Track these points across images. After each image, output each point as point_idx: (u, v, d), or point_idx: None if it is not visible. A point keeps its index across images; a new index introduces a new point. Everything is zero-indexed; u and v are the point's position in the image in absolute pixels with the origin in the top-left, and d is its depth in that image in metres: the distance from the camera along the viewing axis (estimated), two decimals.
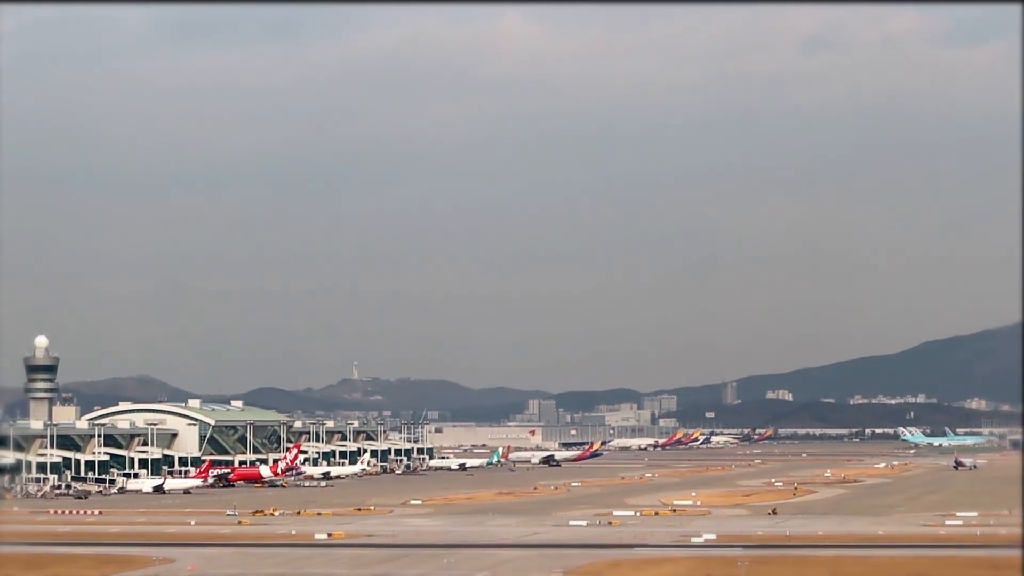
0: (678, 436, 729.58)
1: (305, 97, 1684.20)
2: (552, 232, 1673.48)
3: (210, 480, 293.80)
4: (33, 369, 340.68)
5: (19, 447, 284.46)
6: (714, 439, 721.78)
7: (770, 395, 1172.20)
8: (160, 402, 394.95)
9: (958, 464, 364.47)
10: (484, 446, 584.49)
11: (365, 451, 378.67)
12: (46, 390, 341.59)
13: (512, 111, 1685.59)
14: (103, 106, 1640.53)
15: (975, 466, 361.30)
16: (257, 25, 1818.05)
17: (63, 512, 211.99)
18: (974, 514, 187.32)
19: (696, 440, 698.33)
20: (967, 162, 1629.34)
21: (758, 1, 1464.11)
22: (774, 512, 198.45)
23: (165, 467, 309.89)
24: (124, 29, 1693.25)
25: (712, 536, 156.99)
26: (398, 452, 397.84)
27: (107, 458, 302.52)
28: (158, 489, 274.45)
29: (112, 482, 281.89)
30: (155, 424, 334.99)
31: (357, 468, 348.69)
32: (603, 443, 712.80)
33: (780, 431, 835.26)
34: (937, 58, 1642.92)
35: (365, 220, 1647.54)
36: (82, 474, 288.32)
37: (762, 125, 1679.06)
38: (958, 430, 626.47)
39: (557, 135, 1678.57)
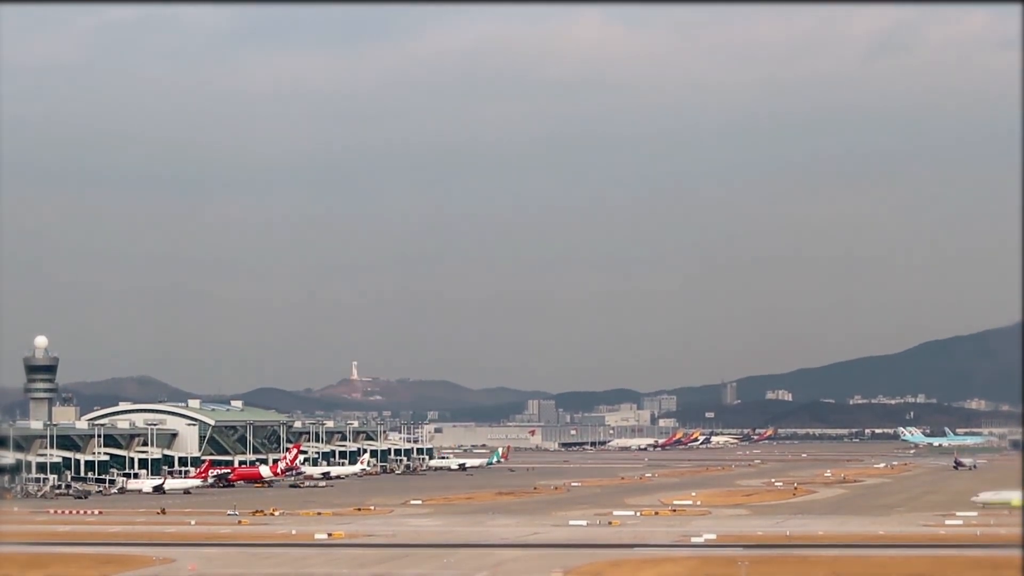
0: (678, 436, 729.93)
1: (356, 100, 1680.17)
2: (553, 233, 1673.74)
3: (210, 480, 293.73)
4: (33, 369, 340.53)
5: (19, 447, 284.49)
6: (714, 439, 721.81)
7: (770, 395, 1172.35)
8: (160, 402, 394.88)
9: (958, 464, 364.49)
10: (484, 446, 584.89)
11: (365, 451, 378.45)
12: (46, 390, 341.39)
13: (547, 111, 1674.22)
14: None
15: (975, 466, 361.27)
16: (329, 27, 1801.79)
17: (63, 512, 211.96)
18: (974, 514, 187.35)
19: (696, 440, 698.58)
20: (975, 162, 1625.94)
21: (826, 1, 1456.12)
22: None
23: (165, 467, 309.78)
24: (201, 30, 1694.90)
25: (712, 536, 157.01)
26: (398, 452, 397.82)
27: (107, 458, 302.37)
28: (158, 489, 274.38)
29: (112, 482, 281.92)
30: (155, 424, 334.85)
31: (357, 468, 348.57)
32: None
33: (780, 431, 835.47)
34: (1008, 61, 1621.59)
35: (366, 221, 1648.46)
36: (82, 474, 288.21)
37: (782, 126, 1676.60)
38: (958, 430, 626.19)
39: (593, 136, 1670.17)
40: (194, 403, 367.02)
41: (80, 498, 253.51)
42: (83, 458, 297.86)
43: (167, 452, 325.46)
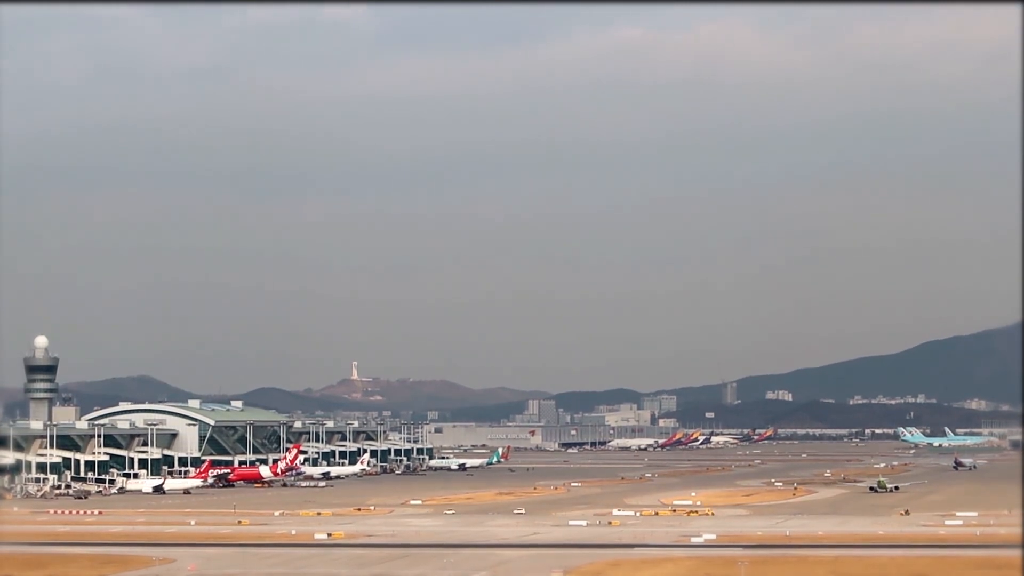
0: (678, 436, 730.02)
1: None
2: (552, 234, 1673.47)
3: (210, 480, 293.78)
4: (33, 369, 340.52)
5: (19, 447, 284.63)
6: (714, 439, 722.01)
7: (770, 395, 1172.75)
8: (160, 402, 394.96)
9: (958, 464, 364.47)
10: (484, 446, 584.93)
11: (365, 451, 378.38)
12: (46, 390, 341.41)
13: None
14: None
15: (975, 466, 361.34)
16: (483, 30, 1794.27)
17: (63, 512, 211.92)
18: (974, 514, 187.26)
19: (696, 440, 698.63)
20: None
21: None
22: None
23: (165, 467, 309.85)
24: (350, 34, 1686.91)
25: (712, 536, 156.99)
26: (398, 452, 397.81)
27: (107, 458, 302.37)
28: (158, 489, 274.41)
29: (112, 482, 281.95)
30: (155, 424, 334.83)
31: (357, 468, 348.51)
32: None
33: (780, 431, 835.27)
34: None
35: (367, 222, 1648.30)
36: (82, 474, 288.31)
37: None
38: (958, 430, 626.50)
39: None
40: (194, 403, 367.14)
41: (80, 498, 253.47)
42: (83, 458, 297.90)
43: (167, 452, 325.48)
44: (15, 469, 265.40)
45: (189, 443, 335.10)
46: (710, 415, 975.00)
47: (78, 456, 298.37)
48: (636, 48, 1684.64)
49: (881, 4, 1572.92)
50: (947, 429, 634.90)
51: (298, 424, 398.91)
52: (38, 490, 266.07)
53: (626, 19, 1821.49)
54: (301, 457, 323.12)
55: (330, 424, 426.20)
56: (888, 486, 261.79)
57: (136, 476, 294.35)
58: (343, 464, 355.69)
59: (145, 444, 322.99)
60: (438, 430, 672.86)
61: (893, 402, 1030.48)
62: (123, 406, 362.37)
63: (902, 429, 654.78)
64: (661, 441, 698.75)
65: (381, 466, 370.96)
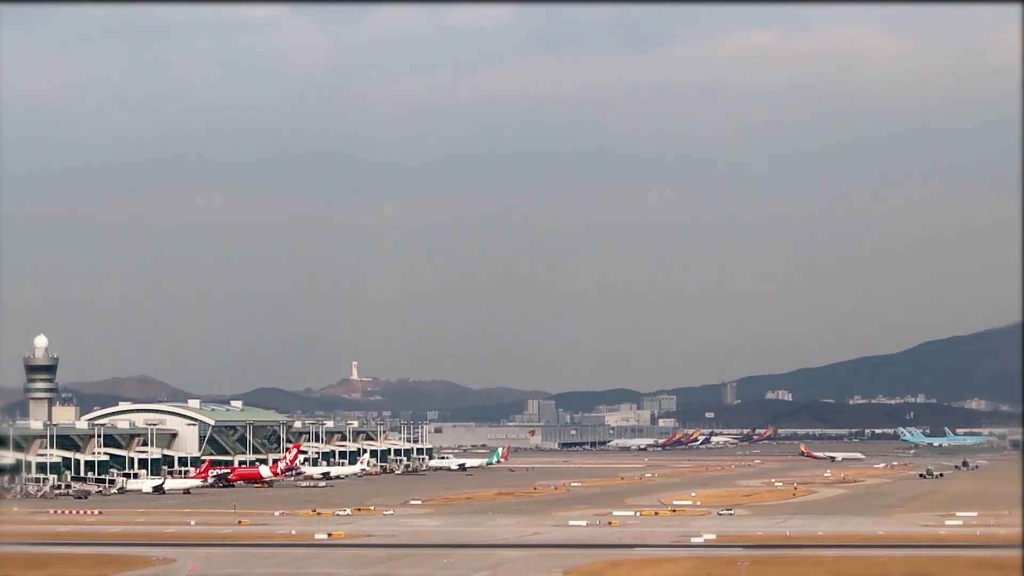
0: (678, 436, 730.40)
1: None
2: (552, 233, 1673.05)
3: (210, 480, 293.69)
4: (33, 369, 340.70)
5: (19, 447, 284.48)
6: (714, 439, 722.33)
7: (770, 395, 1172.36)
8: (160, 402, 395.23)
9: (965, 464, 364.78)
10: (484, 446, 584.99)
11: (365, 451, 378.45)
12: (46, 390, 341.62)
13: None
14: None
15: (976, 466, 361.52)
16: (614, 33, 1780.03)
17: (63, 512, 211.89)
18: (974, 514, 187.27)
19: (696, 440, 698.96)
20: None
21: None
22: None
23: (165, 467, 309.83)
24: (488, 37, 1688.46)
25: (712, 536, 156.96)
26: (398, 452, 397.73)
27: (107, 458, 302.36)
28: (158, 489, 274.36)
29: (112, 482, 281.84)
30: (155, 424, 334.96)
31: (357, 468, 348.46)
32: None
33: (780, 431, 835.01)
34: None
35: (368, 223, 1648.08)
36: (82, 474, 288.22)
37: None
38: (958, 430, 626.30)
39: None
40: (194, 403, 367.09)
41: (80, 498, 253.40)
42: (83, 458, 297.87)
43: (167, 452, 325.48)
44: (15, 469, 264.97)
45: (189, 443, 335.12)
46: (710, 415, 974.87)
47: (78, 456, 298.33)
48: (765, 52, 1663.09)
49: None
50: (947, 429, 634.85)
51: (298, 424, 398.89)
52: (38, 490, 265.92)
53: (757, 23, 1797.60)
54: (301, 457, 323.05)
55: (330, 424, 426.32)
56: (935, 473, 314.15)
57: (136, 476, 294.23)
58: (343, 464, 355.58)
59: (145, 444, 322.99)
60: (438, 430, 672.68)
61: (893, 402, 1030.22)
62: (123, 406, 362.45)
63: (902, 429, 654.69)
64: (661, 441, 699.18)
65: (381, 466, 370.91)
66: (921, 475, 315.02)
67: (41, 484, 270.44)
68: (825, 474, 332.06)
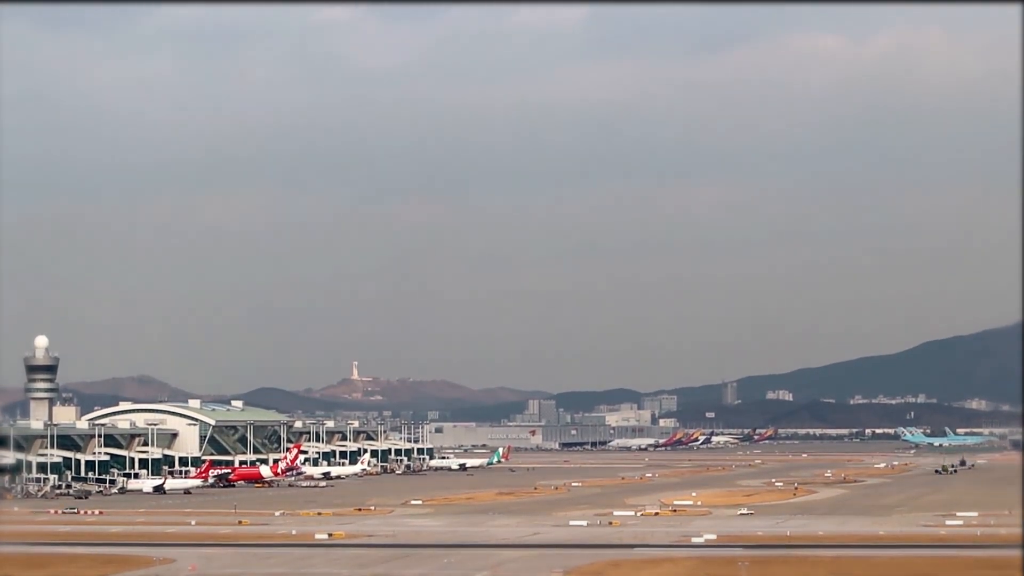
0: (678, 436, 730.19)
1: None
2: (552, 233, 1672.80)
3: (210, 480, 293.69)
4: (33, 369, 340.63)
5: (19, 447, 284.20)
6: (714, 439, 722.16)
7: (770, 395, 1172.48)
8: (160, 402, 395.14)
9: (963, 463, 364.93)
10: (484, 446, 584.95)
11: (365, 451, 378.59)
12: (46, 390, 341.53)
13: None
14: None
15: (973, 466, 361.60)
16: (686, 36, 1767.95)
17: (63, 512, 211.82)
18: (974, 514, 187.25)
19: (696, 440, 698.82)
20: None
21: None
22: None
23: (165, 467, 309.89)
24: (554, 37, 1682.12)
25: (712, 536, 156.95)
26: (398, 452, 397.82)
27: (107, 458, 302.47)
28: (158, 489, 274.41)
29: (112, 482, 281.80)
30: (155, 424, 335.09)
31: (357, 468, 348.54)
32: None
33: (780, 431, 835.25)
34: None
35: (368, 223, 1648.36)
36: (82, 474, 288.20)
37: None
38: (958, 430, 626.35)
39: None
40: (194, 403, 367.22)
41: (80, 498, 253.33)
42: (83, 458, 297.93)
43: (167, 452, 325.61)
44: (15, 469, 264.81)
45: (189, 443, 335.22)
46: (710, 415, 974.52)
47: (78, 456, 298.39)
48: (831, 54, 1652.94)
49: None
50: (947, 429, 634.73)
51: (298, 424, 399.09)
52: (38, 490, 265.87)
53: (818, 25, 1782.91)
54: (301, 457, 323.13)
55: (330, 424, 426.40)
56: (950, 469, 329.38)
57: (136, 476, 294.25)
58: (343, 464, 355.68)
59: (145, 444, 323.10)
60: (438, 430, 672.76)
61: (893, 402, 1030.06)
62: (123, 406, 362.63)
63: (903, 429, 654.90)
64: (661, 441, 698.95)
65: (381, 466, 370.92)
66: (936, 471, 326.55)
67: (41, 484, 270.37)
68: (826, 474, 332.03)
